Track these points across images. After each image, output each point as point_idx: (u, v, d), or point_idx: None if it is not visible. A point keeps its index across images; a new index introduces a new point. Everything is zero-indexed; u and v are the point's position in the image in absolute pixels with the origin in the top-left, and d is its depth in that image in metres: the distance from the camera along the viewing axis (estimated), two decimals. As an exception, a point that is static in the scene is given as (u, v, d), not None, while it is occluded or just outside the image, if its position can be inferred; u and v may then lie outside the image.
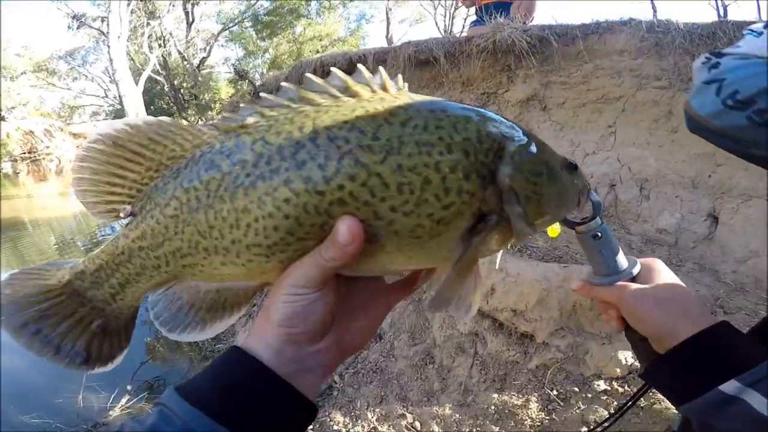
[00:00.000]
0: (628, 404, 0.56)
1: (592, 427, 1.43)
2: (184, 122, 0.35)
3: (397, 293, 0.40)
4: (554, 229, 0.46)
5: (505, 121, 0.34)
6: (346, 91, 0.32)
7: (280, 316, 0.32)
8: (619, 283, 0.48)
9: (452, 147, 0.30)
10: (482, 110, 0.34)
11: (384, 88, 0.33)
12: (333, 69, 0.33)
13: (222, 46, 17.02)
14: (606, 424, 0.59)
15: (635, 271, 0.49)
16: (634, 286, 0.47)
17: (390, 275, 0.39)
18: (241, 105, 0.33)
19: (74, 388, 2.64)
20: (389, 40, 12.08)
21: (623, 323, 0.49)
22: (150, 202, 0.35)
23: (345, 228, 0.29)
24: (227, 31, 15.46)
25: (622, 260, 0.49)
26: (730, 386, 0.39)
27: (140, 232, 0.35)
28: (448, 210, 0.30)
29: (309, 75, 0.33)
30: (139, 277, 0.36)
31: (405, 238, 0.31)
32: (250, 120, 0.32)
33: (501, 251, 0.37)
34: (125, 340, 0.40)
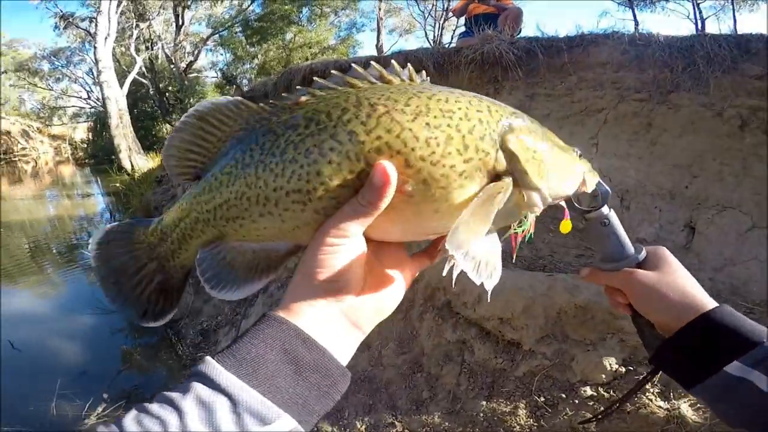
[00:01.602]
0: (639, 385, 0.58)
1: (602, 408, 1.44)
2: (251, 103, 0.40)
3: (419, 260, 0.43)
4: (567, 224, 0.48)
5: (511, 108, 0.41)
6: (381, 79, 0.38)
7: (318, 267, 0.34)
8: (626, 269, 0.50)
9: (469, 115, 0.37)
10: (493, 100, 0.40)
11: (411, 79, 0.39)
12: (372, 62, 0.39)
13: (210, 50, 16.89)
14: (613, 408, 0.61)
15: (641, 256, 0.51)
16: (640, 272, 0.49)
17: (416, 241, 0.43)
18: (297, 87, 0.39)
19: (47, 395, 2.52)
20: (379, 49, 12.22)
21: (630, 309, 0.51)
22: (214, 165, 0.40)
23: (381, 169, 0.33)
24: (216, 36, 15.36)
25: (628, 247, 0.51)
26: (734, 367, 0.41)
27: (200, 188, 0.40)
28: (469, 164, 0.36)
29: (353, 65, 0.39)
30: (193, 232, 0.41)
31: (432, 188, 0.35)
32: (303, 98, 0.38)
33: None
34: (176, 300, 0.43)
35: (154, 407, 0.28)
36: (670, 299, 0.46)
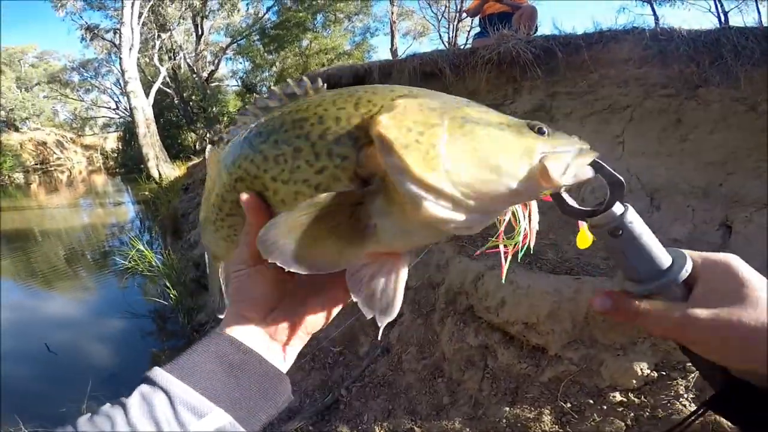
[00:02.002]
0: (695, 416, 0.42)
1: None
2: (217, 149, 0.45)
3: None
4: (584, 238, 0.34)
5: (413, 88, 0.33)
6: (281, 101, 0.38)
7: (231, 291, 0.39)
8: (662, 306, 0.33)
9: (324, 118, 0.32)
10: (390, 86, 0.34)
11: (306, 92, 0.37)
12: (273, 87, 0.39)
13: (230, 59, 17.37)
14: None
15: (683, 274, 0.32)
16: (696, 312, 0.32)
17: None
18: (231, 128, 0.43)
19: (78, 397, 2.62)
20: (394, 53, 12.25)
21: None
22: None
23: (242, 199, 0.36)
24: (235, 45, 15.79)
25: (661, 259, 0.33)
26: None
27: None
28: (322, 174, 0.31)
29: (256, 95, 0.42)
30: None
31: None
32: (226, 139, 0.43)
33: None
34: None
35: (106, 407, 0.32)
36: (740, 345, 0.31)
